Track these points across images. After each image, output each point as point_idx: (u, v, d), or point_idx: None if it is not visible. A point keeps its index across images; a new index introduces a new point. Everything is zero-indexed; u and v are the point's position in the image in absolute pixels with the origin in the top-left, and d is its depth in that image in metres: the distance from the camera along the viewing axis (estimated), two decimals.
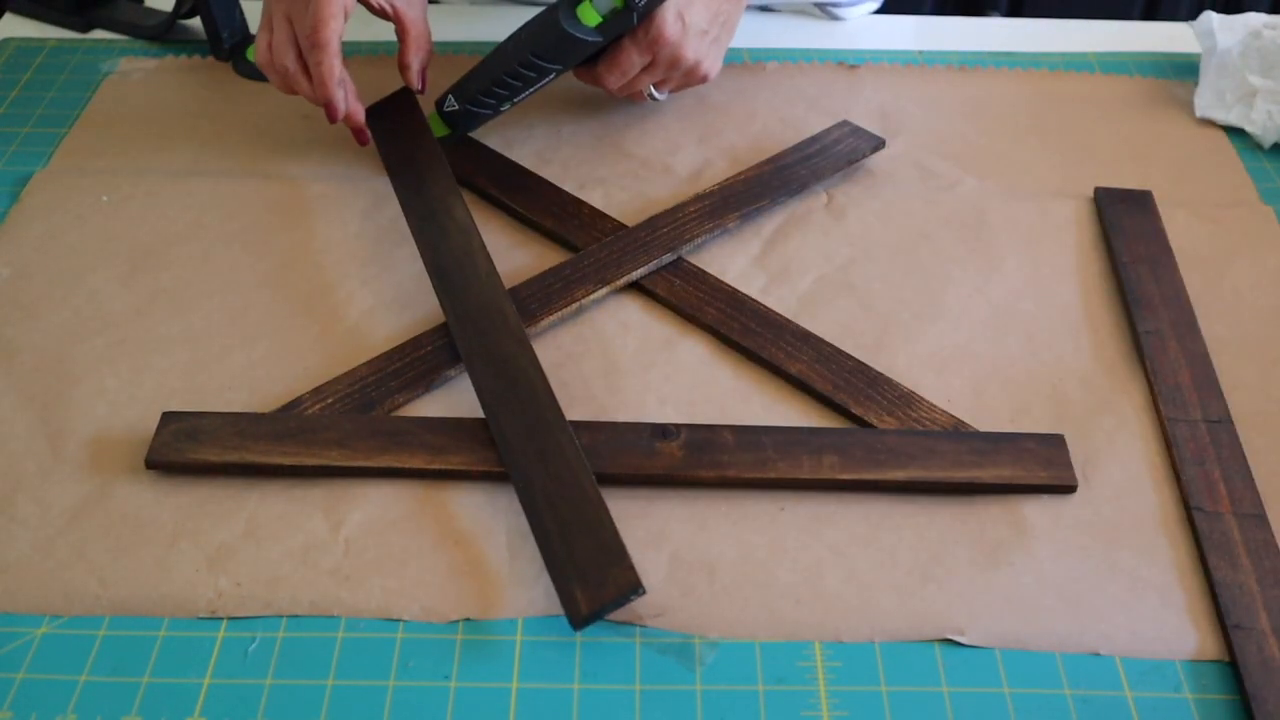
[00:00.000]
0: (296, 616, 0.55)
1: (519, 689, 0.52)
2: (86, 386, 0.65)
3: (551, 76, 0.78)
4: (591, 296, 0.70)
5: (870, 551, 0.58)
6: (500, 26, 0.97)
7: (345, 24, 0.73)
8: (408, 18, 0.78)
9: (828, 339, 0.68)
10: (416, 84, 0.80)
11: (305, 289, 0.72)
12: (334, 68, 0.73)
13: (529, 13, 1.00)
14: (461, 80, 0.79)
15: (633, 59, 0.77)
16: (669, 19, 0.75)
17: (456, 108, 0.79)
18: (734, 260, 0.74)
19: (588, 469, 0.58)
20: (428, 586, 0.56)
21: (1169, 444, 0.62)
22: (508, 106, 0.79)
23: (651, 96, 0.83)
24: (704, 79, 0.81)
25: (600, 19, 0.74)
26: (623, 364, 0.67)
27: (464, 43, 0.95)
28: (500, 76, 0.77)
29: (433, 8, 0.88)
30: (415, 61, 0.79)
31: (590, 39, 0.75)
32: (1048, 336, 0.69)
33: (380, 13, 0.78)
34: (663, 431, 0.61)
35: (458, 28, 0.97)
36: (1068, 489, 0.60)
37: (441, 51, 0.90)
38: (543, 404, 0.62)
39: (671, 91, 0.84)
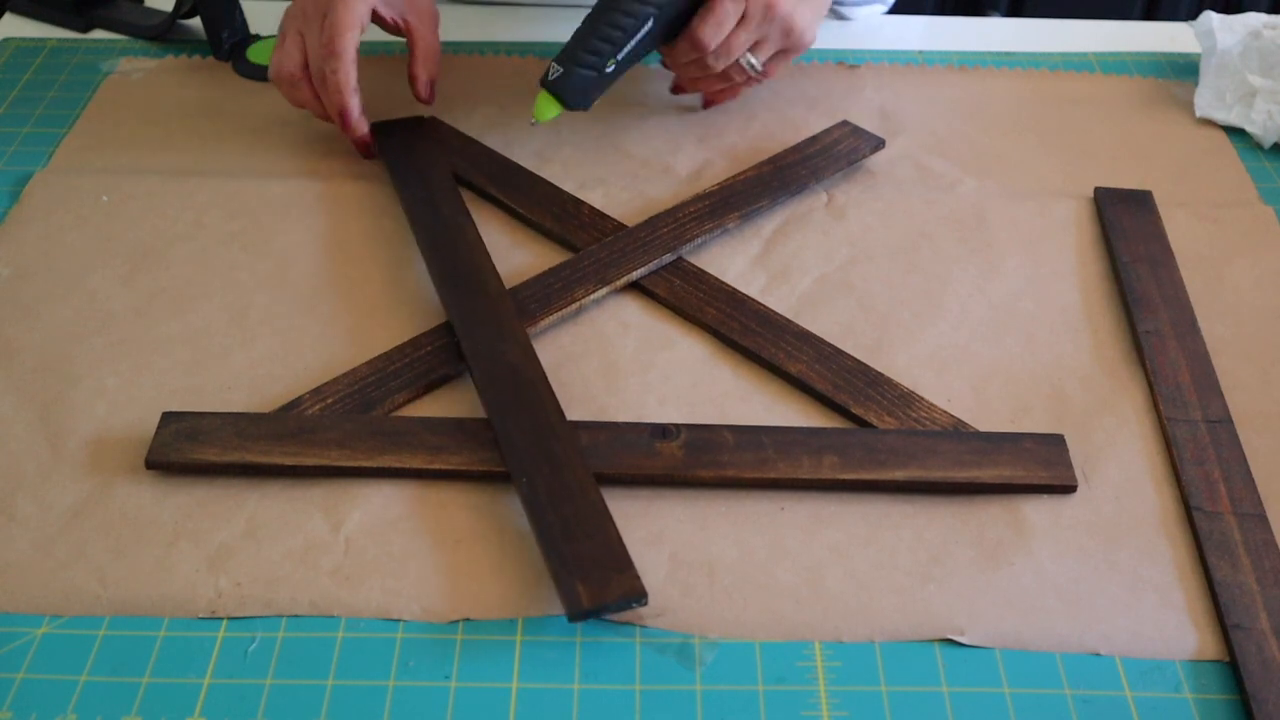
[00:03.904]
0: (296, 616, 0.55)
1: (519, 689, 0.52)
2: (86, 386, 0.65)
3: (649, 25, 0.75)
4: (591, 296, 0.70)
5: (870, 551, 0.58)
6: (501, 27, 0.97)
7: (360, 37, 0.75)
8: (418, 32, 0.80)
9: (828, 339, 0.68)
10: (424, 94, 0.81)
11: (305, 289, 0.72)
12: (350, 76, 0.75)
13: (530, 14, 1.00)
14: (564, 47, 0.76)
15: (727, 7, 0.75)
16: None
17: (561, 71, 0.75)
18: (734, 260, 0.74)
19: (591, 478, 0.58)
20: (428, 586, 0.56)
21: (1169, 444, 0.62)
22: (612, 67, 0.76)
23: (751, 67, 0.80)
24: (799, 41, 0.80)
25: None
26: (623, 364, 0.67)
27: (464, 43, 0.95)
28: (601, 27, 0.75)
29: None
30: (424, 73, 0.81)
31: None
32: (1048, 336, 0.69)
33: (394, 28, 0.80)
34: (663, 431, 0.61)
35: (460, 29, 0.96)
36: (1068, 489, 0.60)
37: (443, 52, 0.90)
38: (547, 409, 0.62)
39: (768, 62, 0.81)
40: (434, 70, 0.81)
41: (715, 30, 0.76)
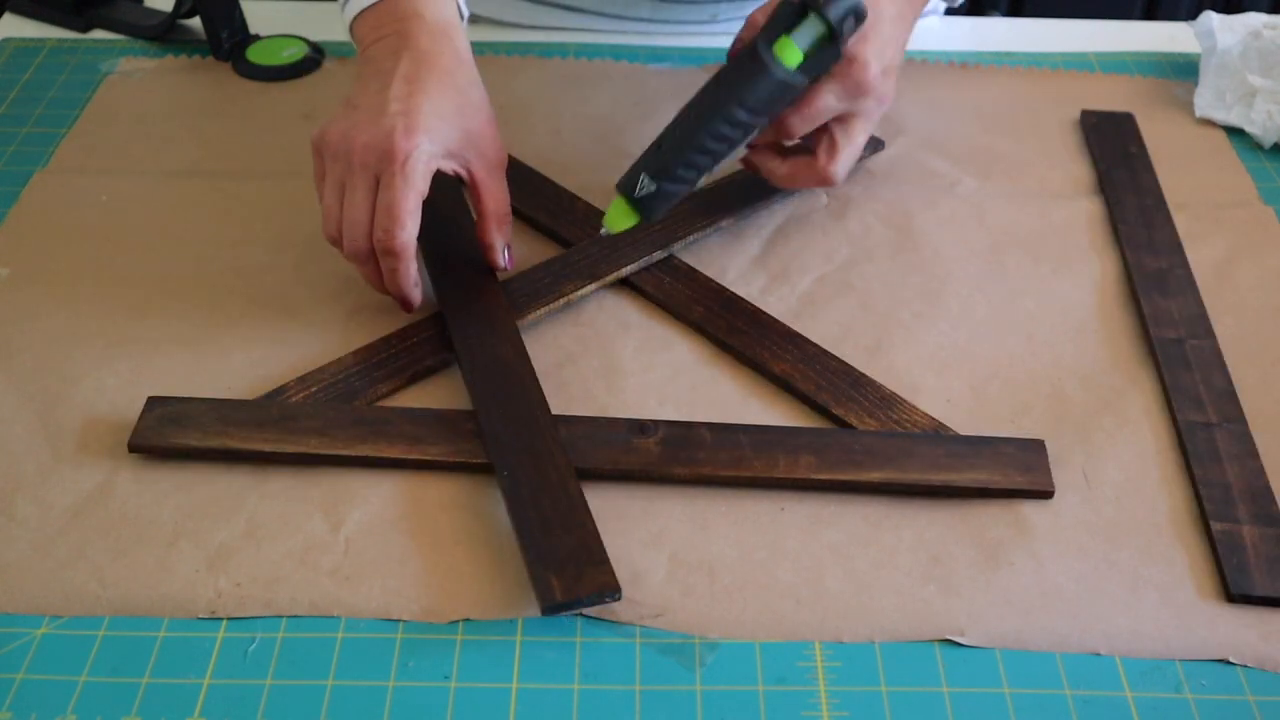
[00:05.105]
0: (296, 616, 0.55)
1: (519, 689, 0.52)
2: (86, 386, 0.65)
3: (755, 133, 0.67)
4: (580, 292, 0.70)
5: (870, 551, 0.58)
6: (500, 29, 0.97)
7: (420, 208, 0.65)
8: (485, 186, 0.68)
9: (828, 339, 0.68)
10: (502, 263, 0.69)
11: (305, 289, 0.72)
12: (410, 270, 0.65)
13: (529, 14, 1.00)
14: (649, 154, 0.66)
15: (829, 102, 0.66)
16: (871, 62, 0.65)
17: (653, 188, 0.65)
18: (734, 260, 0.74)
19: (573, 473, 0.59)
20: (428, 586, 0.56)
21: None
22: (702, 180, 0.67)
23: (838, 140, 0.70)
24: (880, 109, 0.70)
25: (801, 56, 0.63)
26: (623, 364, 0.67)
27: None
28: (702, 142, 0.64)
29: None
30: (499, 238, 0.69)
31: (796, 82, 0.64)
32: (1048, 336, 0.69)
33: (454, 177, 0.68)
34: (640, 428, 0.61)
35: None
36: (1044, 494, 0.60)
37: None
38: (532, 402, 0.62)
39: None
40: (508, 233, 0.69)
41: (808, 122, 0.67)
